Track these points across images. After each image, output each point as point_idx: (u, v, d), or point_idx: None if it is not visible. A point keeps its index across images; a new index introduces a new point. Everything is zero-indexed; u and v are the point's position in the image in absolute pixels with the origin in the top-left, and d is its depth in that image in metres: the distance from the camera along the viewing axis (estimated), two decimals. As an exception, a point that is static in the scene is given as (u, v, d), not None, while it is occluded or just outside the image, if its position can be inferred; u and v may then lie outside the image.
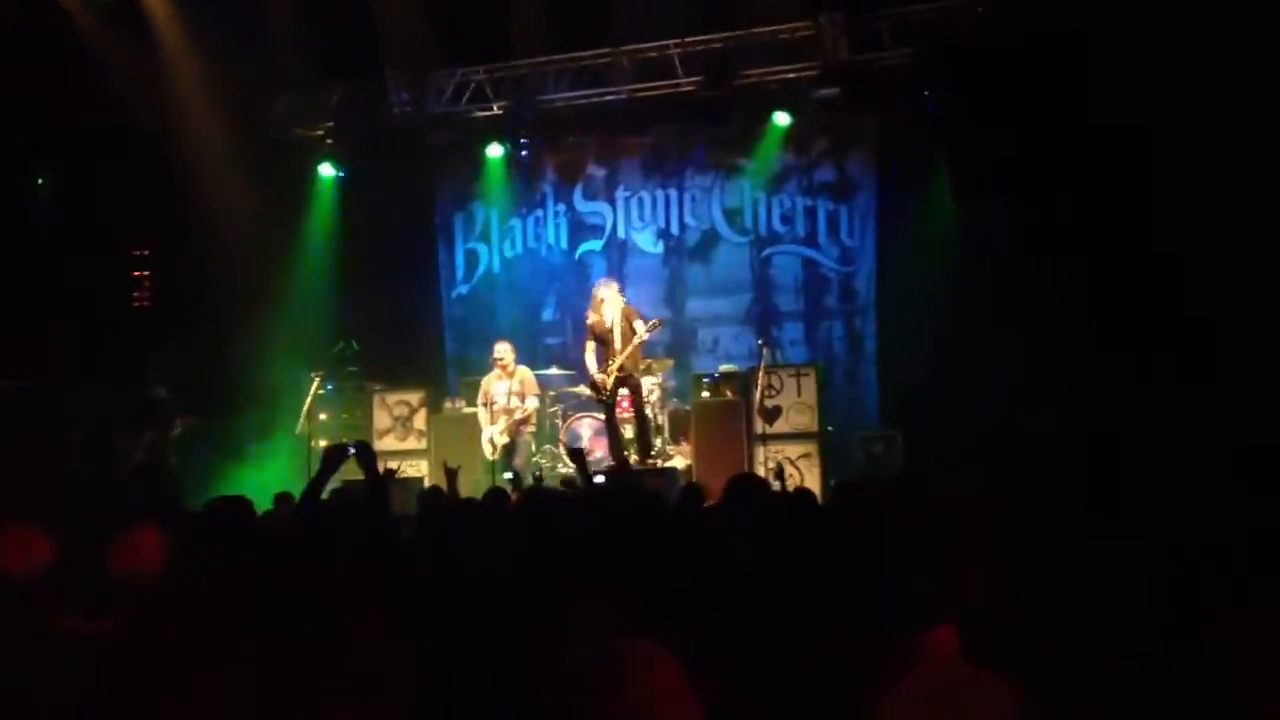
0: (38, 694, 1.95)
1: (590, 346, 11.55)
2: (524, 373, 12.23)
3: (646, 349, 11.74)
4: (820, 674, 2.50)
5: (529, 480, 10.60)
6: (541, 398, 12.45)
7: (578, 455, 7.51)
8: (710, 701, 1.85)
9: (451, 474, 6.04)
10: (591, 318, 11.51)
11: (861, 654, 2.37)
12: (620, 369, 11.21)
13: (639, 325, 11.24)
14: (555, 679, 1.81)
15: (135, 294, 13.68)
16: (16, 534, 3.15)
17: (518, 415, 12.01)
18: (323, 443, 12.51)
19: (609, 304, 11.37)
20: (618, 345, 11.24)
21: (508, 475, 11.43)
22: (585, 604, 3.60)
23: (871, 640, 2.36)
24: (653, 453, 11.59)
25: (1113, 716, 2.32)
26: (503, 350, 12.16)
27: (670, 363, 12.79)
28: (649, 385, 11.78)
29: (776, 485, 7.45)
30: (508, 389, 12.05)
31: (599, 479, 9.18)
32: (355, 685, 2.68)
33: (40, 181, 13.26)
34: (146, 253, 13.90)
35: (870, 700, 2.24)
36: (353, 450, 5.54)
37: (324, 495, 5.15)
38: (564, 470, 12.10)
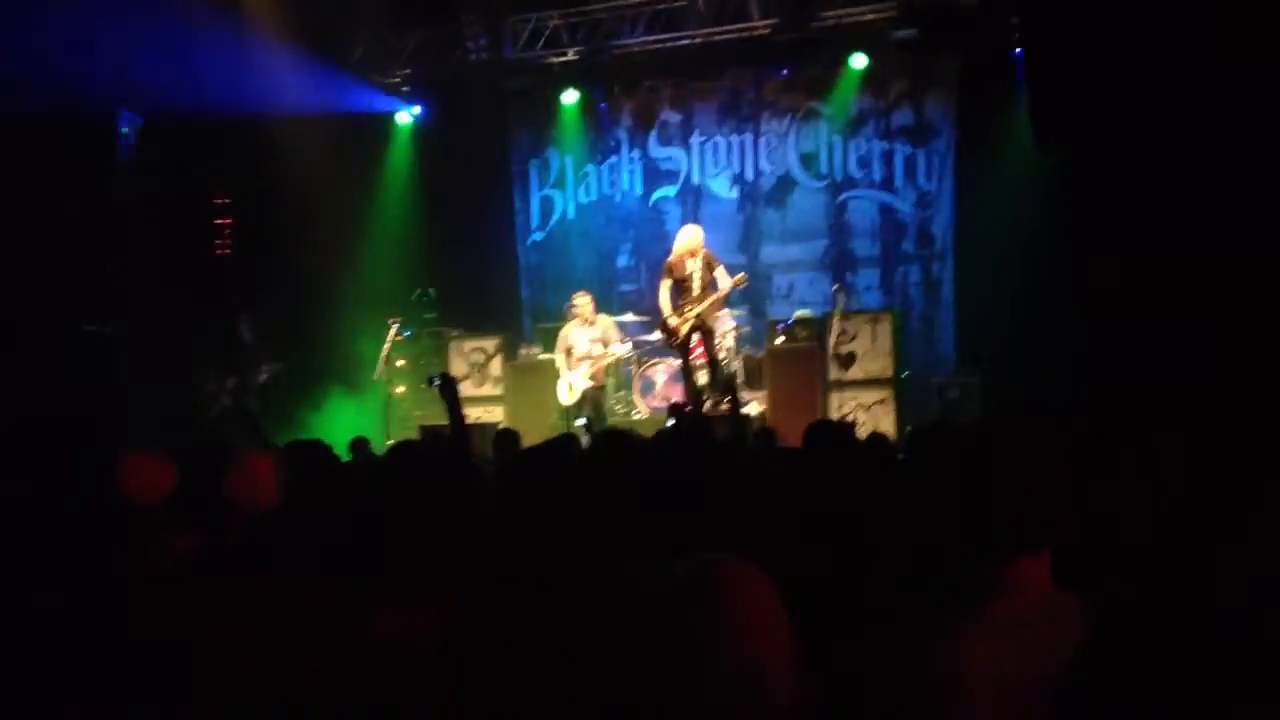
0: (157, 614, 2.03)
1: (666, 284, 11.46)
2: (606, 321, 12.21)
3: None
4: (907, 600, 2.51)
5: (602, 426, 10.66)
6: (624, 341, 12.41)
7: (678, 410, 7.42)
8: (797, 621, 1.86)
9: (450, 384, 5.68)
10: (673, 258, 11.43)
11: (950, 581, 2.37)
12: (697, 317, 11.18)
13: (721, 276, 11.16)
14: (644, 594, 1.83)
15: (217, 241, 13.87)
16: (142, 462, 3.26)
17: (605, 360, 11.99)
18: (399, 389, 12.72)
19: (692, 248, 11.30)
20: (695, 291, 11.19)
21: (580, 422, 11.51)
22: (665, 532, 3.65)
23: (960, 568, 2.36)
24: (731, 396, 11.52)
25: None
26: (582, 300, 12.15)
27: (744, 276, 12.22)
28: (724, 329, 11.65)
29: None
30: (589, 336, 12.05)
31: (670, 422, 9.18)
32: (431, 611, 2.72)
33: (125, 130, 13.43)
34: (228, 200, 14.06)
35: (960, 625, 2.25)
36: (437, 382, 5.61)
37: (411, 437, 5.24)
38: (637, 416, 12.15)
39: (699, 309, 11.12)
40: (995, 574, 2.34)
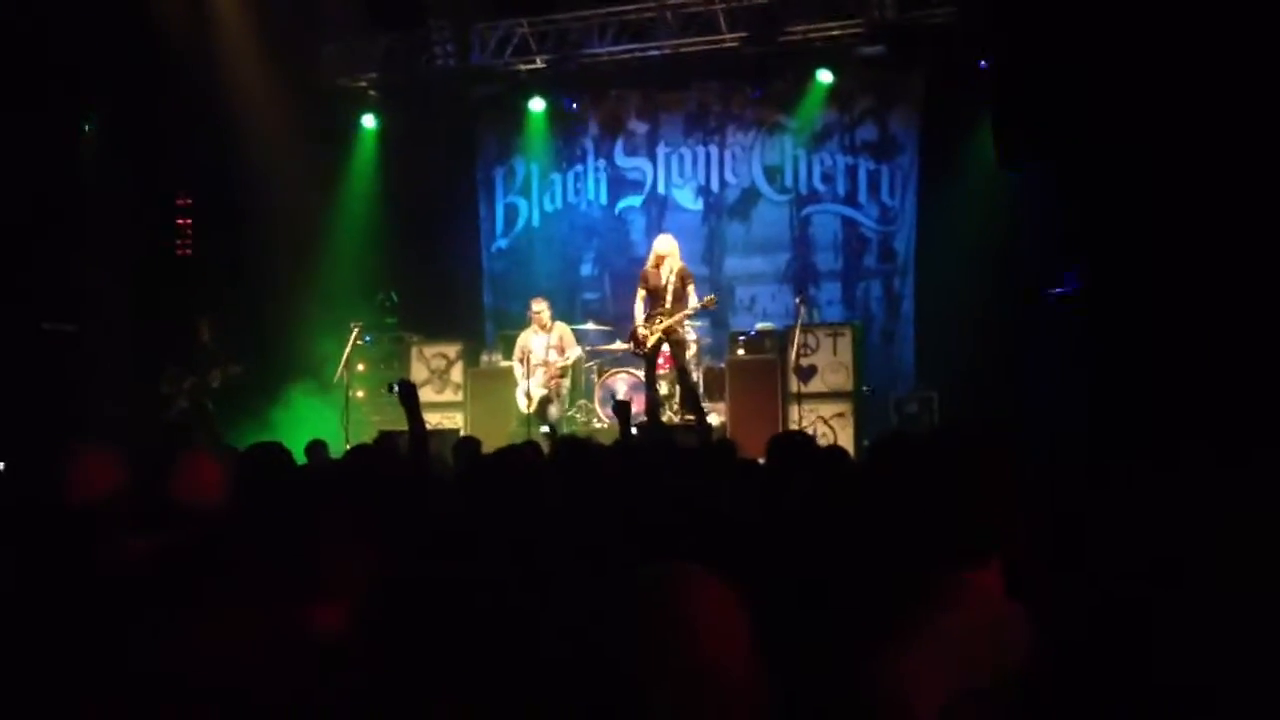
0: (96, 613, 2.02)
1: (640, 295, 11.48)
2: (562, 327, 12.23)
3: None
4: (859, 610, 2.53)
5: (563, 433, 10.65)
6: (580, 349, 12.43)
7: (623, 409, 7.43)
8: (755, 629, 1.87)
9: (409, 389, 5.61)
10: (647, 268, 11.41)
11: (901, 591, 2.39)
12: (667, 330, 11.15)
13: (692, 294, 11.15)
14: (601, 598, 1.83)
15: (178, 241, 13.78)
16: (92, 459, 3.24)
17: (557, 366, 12.00)
18: (359, 393, 12.67)
19: (668, 260, 11.28)
20: (667, 304, 11.16)
21: (544, 429, 11.49)
22: (625, 541, 3.66)
23: (911, 578, 2.38)
24: (694, 411, 11.50)
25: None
26: (540, 306, 12.16)
27: (713, 298, 12.30)
28: (688, 341, 11.66)
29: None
30: (546, 343, 12.06)
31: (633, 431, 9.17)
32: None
33: (86, 127, 13.33)
34: (190, 200, 13.98)
35: (910, 634, 2.27)
36: (395, 388, 5.59)
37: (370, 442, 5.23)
38: (598, 425, 12.14)
39: (669, 322, 11.10)
40: (945, 584, 2.36)
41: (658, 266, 11.25)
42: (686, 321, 11.46)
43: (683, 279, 11.16)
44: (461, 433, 11.69)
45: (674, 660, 1.78)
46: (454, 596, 2.12)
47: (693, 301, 11.11)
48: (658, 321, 11.14)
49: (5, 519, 3.20)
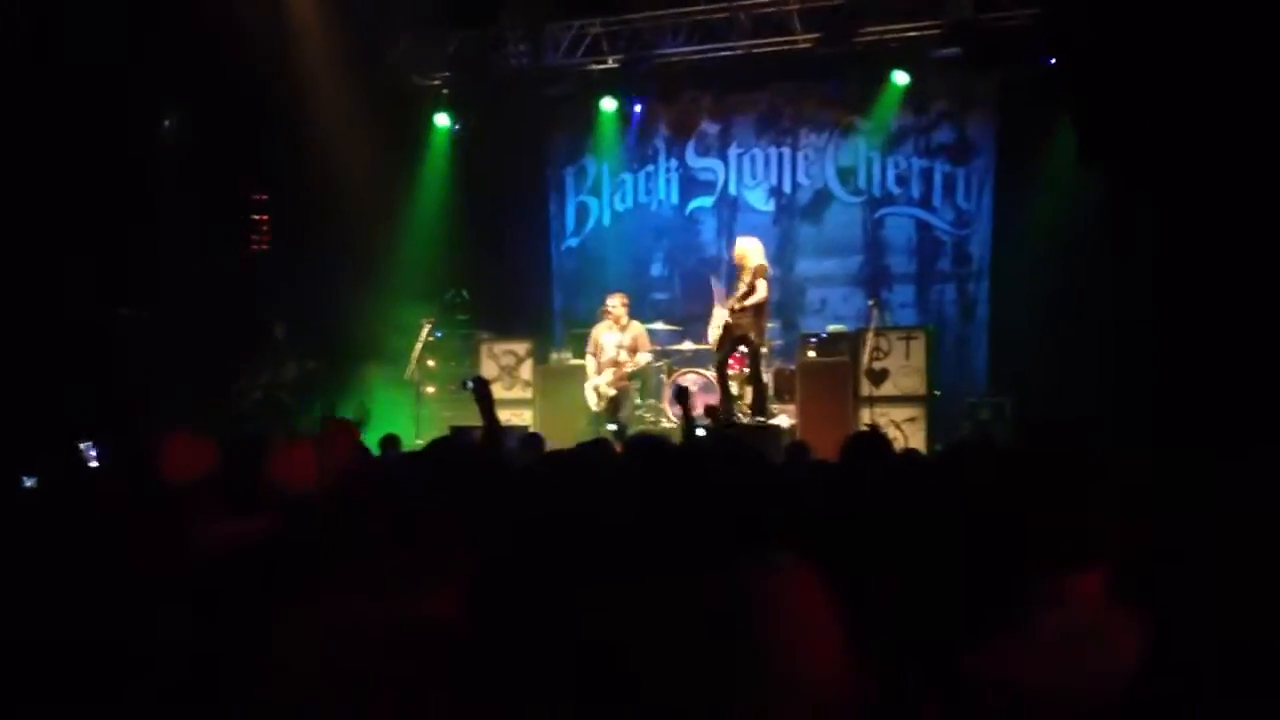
0: (189, 593, 2.04)
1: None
2: (637, 328, 12.21)
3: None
4: (956, 611, 2.48)
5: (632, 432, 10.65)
6: (652, 353, 12.42)
7: (683, 394, 7.42)
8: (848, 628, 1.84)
9: (484, 386, 5.63)
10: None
11: (1001, 595, 2.35)
12: (736, 325, 11.15)
13: (760, 286, 11.17)
14: (698, 595, 1.80)
15: (254, 237, 13.92)
16: (184, 442, 3.28)
17: (627, 369, 12.01)
18: (430, 389, 12.75)
19: (742, 261, 11.38)
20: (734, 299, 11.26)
21: (612, 427, 11.49)
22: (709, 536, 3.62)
23: (1011, 581, 2.34)
24: (764, 412, 11.50)
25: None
26: (614, 302, 12.16)
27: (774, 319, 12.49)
28: (765, 341, 11.70)
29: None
30: (617, 341, 12.06)
31: (700, 431, 9.16)
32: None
33: (166, 122, 13.50)
34: (265, 197, 14.12)
35: (1009, 639, 2.23)
36: (470, 385, 5.61)
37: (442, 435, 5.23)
38: (666, 425, 12.12)
39: (730, 302, 11.16)
40: (1046, 589, 2.32)
41: (738, 268, 11.39)
42: (765, 325, 11.50)
43: (754, 275, 11.17)
44: (530, 429, 11.72)
45: (770, 650, 1.75)
46: (554, 583, 2.11)
47: (758, 296, 11.10)
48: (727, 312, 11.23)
49: (101, 500, 3.23)
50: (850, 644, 1.87)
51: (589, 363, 12.23)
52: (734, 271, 11.70)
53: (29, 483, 4.23)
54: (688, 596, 1.86)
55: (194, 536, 2.93)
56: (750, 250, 11.38)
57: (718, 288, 11.92)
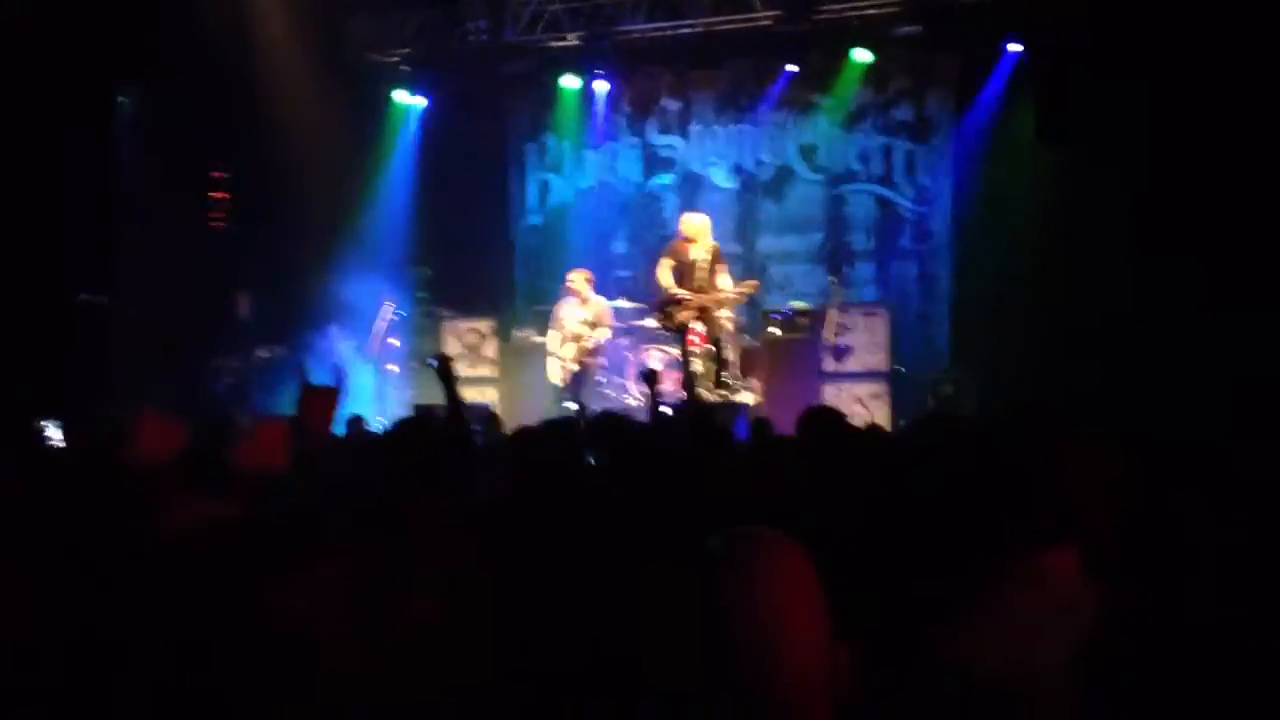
0: (154, 572, 2.02)
1: (667, 264, 11.52)
2: (600, 303, 12.19)
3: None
4: (932, 588, 2.50)
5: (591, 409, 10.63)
6: (613, 329, 12.40)
7: (651, 376, 7.43)
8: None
9: (447, 365, 5.60)
10: (676, 243, 11.49)
11: (973, 571, 2.37)
12: (699, 307, 11.18)
13: (725, 279, 11.18)
14: (675, 565, 1.79)
15: (213, 215, 13.81)
16: (156, 423, 3.26)
17: (587, 343, 12.01)
18: (392, 366, 12.70)
19: (700, 239, 11.35)
20: (695, 283, 11.23)
21: (572, 405, 11.48)
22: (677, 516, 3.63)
23: (986, 558, 2.36)
24: (726, 387, 11.52)
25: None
26: (577, 278, 12.15)
27: (757, 283, 12.46)
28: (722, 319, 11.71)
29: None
30: (580, 316, 12.05)
31: (666, 410, 9.16)
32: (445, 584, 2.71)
33: (120, 100, 13.35)
34: (224, 174, 13.99)
35: (986, 613, 2.25)
36: (434, 363, 5.61)
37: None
38: (630, 401, 12.12)
39: (705, 300, 11.15)
40: (1020, 565, 2.34)
41: (687, 242, 11.30)
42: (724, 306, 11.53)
43: (715, 260, 11.18)
44: (494, 408, 11.69)
45: (750, 627, 1.74)
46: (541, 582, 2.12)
47: (726, 282, 11.10)
48: (691, 301, 11.17)
49: (70, 479, 3.20)
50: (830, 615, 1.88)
51: (551, 337, 12.21)
52: (680, 243, 11.61)
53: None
54: (662, 584, 1.85)
55: (159, 518, 2.91)
56: (706, 229, 11.45)
57: None
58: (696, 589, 1.78)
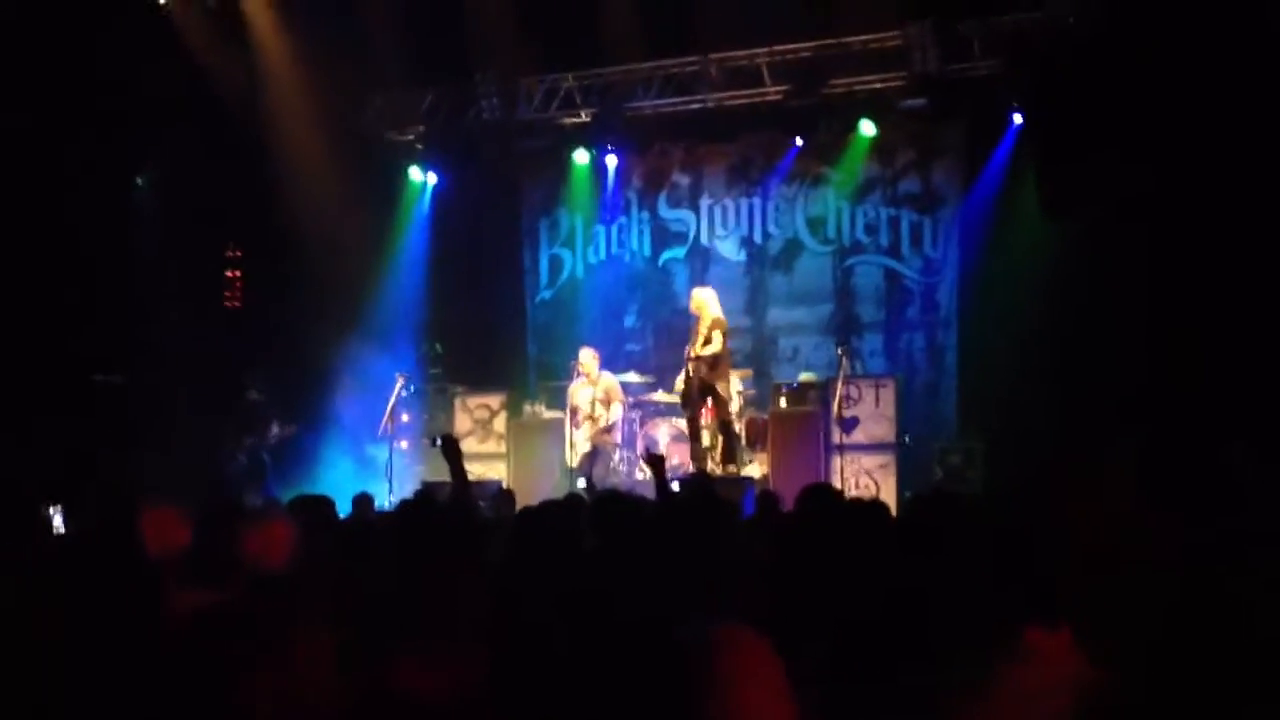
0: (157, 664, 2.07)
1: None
2: (608, 379, 12.30)
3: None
4: (924, 667, 2.53)
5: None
6: (624, 404, 12.48)
7: (657, 462, 7.49)
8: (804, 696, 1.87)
9: (452, 444, 5.69)
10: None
11: (971, 648, 2.40)
12: (698, 376, 11.28)
13: (716, 339, 11.31)
14: (643, 656, 1.83)
15: (228, 294, 13.97)
16: (159, 516, 3.29)
17: (602, 424, 12.10)
18: (403, 444, 12.76)
19: (698, 311, 11.53)
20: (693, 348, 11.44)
21: (581, 483, 11.53)
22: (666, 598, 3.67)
23: (982, 636, 2.39)
24: (735, 462, 11.58)
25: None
26: (586, 357, 12.26)
27: (749, 373, 12.81)
28: (732, 393, 11.80)
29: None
30: (591, 396, 12.15)
31: (674, 485, 9.18)
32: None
33: (139, 181, 13.56)
34: (239, 253, 14.17)
35: (981, 691, 2.27)
36: (438, 442, 5.66)
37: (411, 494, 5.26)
38: (640, 477, 12.15)
39: (692, 353, 11.35)
40: (1014, 642, 2.37)
41: (695, 320, 11.52)
42: (732, 376, 11.64)
43: (710, 327, 11.32)
44: (504, 484, 11.74)
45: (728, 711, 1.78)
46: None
47: (714, 347, 11.25)
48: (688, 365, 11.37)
49: (79, 571, 3.24)
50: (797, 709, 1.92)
51: (567, 419, 12.29)
52: (693, 321, 11.79)
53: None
54: (633, 660, 1.89)
55: (163, 610, 2.96)
56: (706, 301, 11.56)
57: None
58: (661, 683, 1.82)
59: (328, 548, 4.47)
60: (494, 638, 2.89)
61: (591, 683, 2.50)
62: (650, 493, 8.33)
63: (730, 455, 11.50)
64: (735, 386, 11.89)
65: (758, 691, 1.81)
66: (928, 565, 3.58)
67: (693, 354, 11.29)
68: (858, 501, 7.70)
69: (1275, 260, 9.73)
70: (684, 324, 12.56)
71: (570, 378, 12.49)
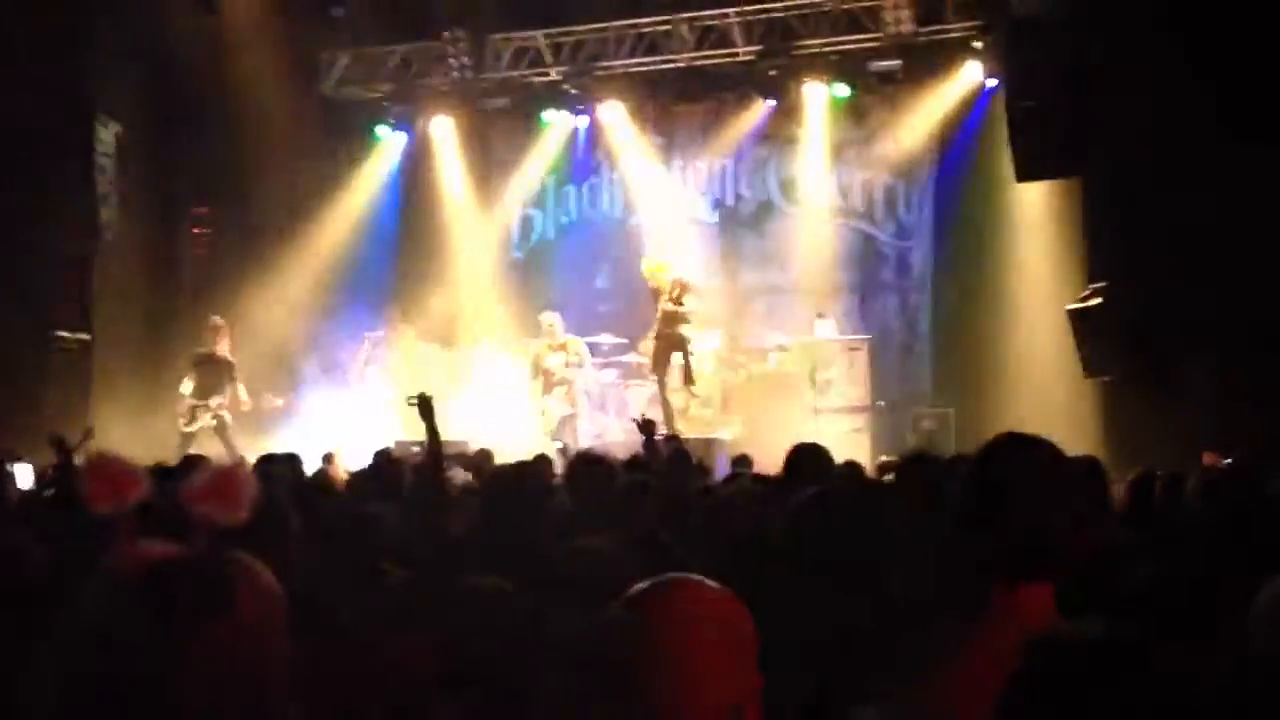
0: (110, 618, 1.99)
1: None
2: (574, 342, 12.26)
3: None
4: (904, 626, 2.48)
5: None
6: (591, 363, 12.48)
7: (647, 426, 7.40)
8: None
9: (427, 404, 5.64)
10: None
11: (952, 606, 2.35)
12: (661, 336, 11.30)
13: (689, 300, 11.30)
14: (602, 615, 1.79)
15: (195, 249, 13.82)
16: (115, 469, 3.21)
17: (576, 384, 12.06)
18: (371, 400, 12.69)
19: (652, 278, 11.51)
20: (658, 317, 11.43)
21: (557, 444, 11.46)
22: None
23: (962, 593, 2.34)
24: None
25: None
26: (552, 321, 12.19)
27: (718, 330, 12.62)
28: (703, 354, 11.78)
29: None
30: (563, 359, 12.09)
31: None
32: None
33: (103, 137, 13.34)
34: (206, 209, 14.00)
35: (960, 653, 2.22)
36: (415, 401, 5.58)
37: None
38: (613, 438, 12.08)
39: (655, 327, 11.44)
40: (999, 600, 2.32)
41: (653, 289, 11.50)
42: (692, 333, 11.62)
43: (680, 288, 11.31)
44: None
45: (675, 674, 1.73)
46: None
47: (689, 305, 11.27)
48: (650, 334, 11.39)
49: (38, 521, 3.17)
50: (778, 665, 1.86)
51: (532, 385, 12.20)
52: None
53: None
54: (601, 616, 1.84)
55: (113, 560, 2.88)
56: (660, 265, 11.53)
57: None
58: (611, 636, 1.78)
59: (288, 505, 4.41)
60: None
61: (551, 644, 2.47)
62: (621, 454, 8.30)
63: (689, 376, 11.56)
64: (710, 346, 11.83)
65: (704, 643, 1.75)
66: (900, 531, 3.54)
67: (663, 313, 11.26)
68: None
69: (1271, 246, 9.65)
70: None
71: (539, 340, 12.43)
